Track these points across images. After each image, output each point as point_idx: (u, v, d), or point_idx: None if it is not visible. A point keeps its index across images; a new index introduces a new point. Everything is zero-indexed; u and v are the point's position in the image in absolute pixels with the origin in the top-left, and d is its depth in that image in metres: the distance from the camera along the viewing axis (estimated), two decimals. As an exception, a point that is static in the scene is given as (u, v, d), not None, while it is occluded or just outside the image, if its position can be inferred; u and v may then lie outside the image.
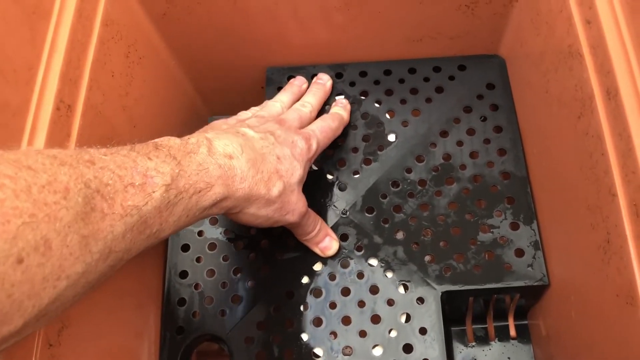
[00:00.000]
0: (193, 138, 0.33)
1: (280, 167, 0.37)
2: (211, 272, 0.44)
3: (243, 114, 0.44)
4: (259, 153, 0.36)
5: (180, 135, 0.33)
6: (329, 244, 0.43)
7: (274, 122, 0.41)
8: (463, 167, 0.46)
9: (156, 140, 0.32)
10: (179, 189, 0.29)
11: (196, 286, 0.44)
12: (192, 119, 0.54)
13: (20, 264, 0.20)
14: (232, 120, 0.43)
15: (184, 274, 0.45)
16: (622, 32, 0.32)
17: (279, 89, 0.51)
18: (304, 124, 0.44)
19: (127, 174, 0.27)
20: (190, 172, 0.30)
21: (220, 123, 0.41)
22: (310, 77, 0.51)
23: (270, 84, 0.52)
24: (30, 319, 0.21)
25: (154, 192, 0.27)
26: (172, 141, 0.32)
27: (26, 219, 0.20)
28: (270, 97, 0.50)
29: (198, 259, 0.45)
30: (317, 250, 0.44)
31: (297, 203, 0.39)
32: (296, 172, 0.38)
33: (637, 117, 0.29)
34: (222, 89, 0.55)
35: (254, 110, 0.45)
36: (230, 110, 0.57)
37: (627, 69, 0.31)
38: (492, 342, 0.47)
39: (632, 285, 0.28)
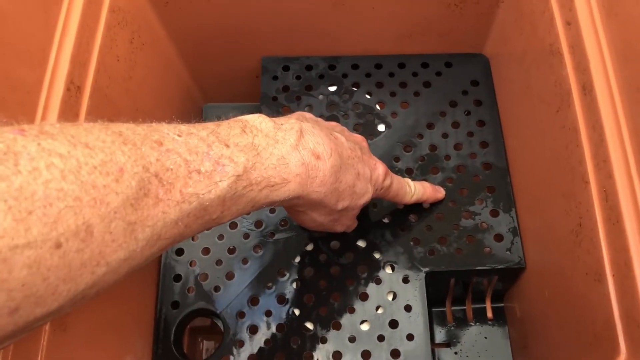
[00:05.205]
0: (287, 124, 0.31)
1: (356, 184, 0.35)
2: (206, 250, 0.46)
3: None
4: (344, 162, 0.34)
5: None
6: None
7: (356, 142, 0.39)
8: (447, 157, 0.49)
9: (247, 119, 0.30)
10: (249, 181, 0.28)
11: (191, 263, 0.46)
12: (187, 105, 0.56)
13: (59, 249, 0.19)
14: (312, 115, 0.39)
15: (180, 252, 0.47)
16: (598, 33, 0.35)
17: (274, 78, 0.53)
18: None
19: (195, 159, 0.25)
20: (268, 165, 0.29)
21: (307, 115, 0.38)
22: (304, 68, 0.53)
23: (265, 72, 0.54)
24: (65, 302, 0.21)
25: (220, 181, 0.26)
26: (263, 124, 0.30)
27: (70, 203, 0.19)
28: (265, 86, 0.53)
29: (194, 238, 0.47)
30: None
31: (351, 220, 0.40)
32: (366, 195, 0.37)
33: (609, 111, 0.32)
34: (218, 77, 0.57)
35: None
36: (225, 98, 0.59)
37: (601, 67, 0.34)
38: (470, 323, 0.50)
39: (600, 264, 0.31)
